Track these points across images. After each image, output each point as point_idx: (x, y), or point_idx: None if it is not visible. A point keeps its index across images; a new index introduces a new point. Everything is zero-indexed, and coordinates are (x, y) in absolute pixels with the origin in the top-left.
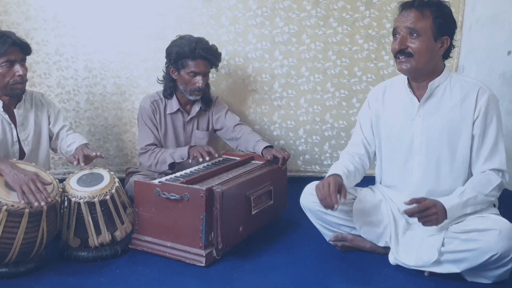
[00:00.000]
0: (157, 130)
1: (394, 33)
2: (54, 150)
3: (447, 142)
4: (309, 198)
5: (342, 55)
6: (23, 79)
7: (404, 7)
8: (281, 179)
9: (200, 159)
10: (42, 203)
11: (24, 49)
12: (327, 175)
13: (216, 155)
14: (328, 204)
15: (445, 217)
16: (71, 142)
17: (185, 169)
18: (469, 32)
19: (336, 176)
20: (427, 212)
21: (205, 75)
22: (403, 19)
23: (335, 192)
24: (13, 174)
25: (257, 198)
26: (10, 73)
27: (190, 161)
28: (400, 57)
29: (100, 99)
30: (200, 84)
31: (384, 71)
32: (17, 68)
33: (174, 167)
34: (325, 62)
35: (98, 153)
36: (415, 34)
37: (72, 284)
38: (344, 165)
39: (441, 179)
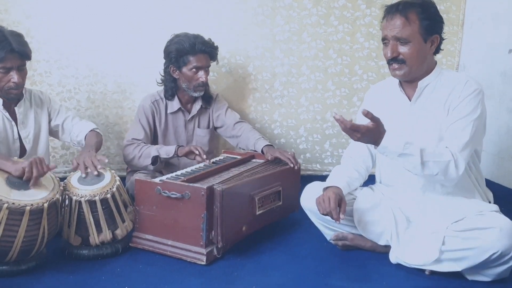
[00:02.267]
0: (150, 130)
1: (384, 40)
2: (66, 141)
3: (437, 139)
4: (309, 198)
5: (343, 54)
6: (17, 86)
7: (388, 11)
8: (293, 180)
9: (198, 157)
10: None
11: (23, 56)
12: (327, 180)
13: (204, 155)
14: (331, 218)
15: (375, 142)
16: (78, 132)
17: (180, 168)
18: (470, 30)
19: (336, 188)
20: (354, 132)
21: (207, 69)
22: (390, 27)
23: (336, 209)
24: (19, 165)
25: (263, 198)
26: (5, 79)
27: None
28: (393, 64)
29: (101, 98)
30: (204, 79)
31: (385, 70)
32: (13, 75)
33: (156, 162)
34: (326, 61)
35: (99, 166)
36: (404, 41)
37: (72, 282)
38: (346, 172)
39: None
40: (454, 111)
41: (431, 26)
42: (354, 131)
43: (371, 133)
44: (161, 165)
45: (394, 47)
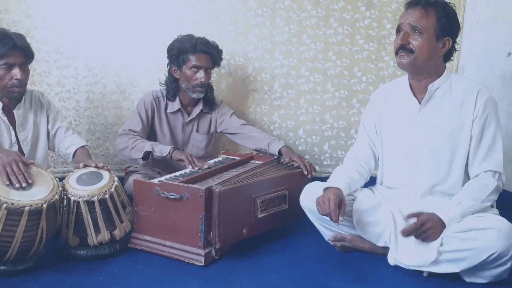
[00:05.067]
0: (148, 125)
1: (398, 29)
2: (52, 150)
3: (447, 144)
4: (309, 197)
5: (342, 56)
6: (21, 83)
7: (410, 4)
8: (302, 184)
9: (184, 164)
10: (24, 184)
11: (26, 53)
12: (328, 180)
13: (197, 168)
14: (330, 219)
15: (442, 229)
16: (69, 144)
17: (179, 168)
18: (469, 33)
19: (336, 189)
20: (423, 228)
21: (207, 70)
22: (408, 16)
23: (335, 211)
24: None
25: (267, 201)
26: (8, 76)
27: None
28: (400, 52)
29: (100, 98)
30: (203, 79)
31: (384, 72)
32: (16, 71)
33: (148, 157)
34: (325, 62)
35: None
36: (417, 32)
37: (70, 283)
38: (347, 173)
39: (441, 181)
40: (476, 126)
41: (447, 26)
42: (424, 224)
43: (432, 222)
44: (151, 162)
45: (406, 35)
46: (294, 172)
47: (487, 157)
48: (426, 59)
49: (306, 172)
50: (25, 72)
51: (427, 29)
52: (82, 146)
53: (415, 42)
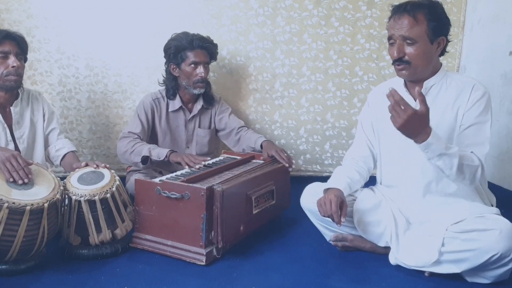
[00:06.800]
0: (148, 126)
1: (390, 39)
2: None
3: (445, 140)
4: (309, 198)
5: (344, 55)
6: (16, 72)
7: (396, 11)
8: (284, 178)
9: (185, 166)
10: (26, 180)
11: (20, 43)
12: (328, 181)
13: (197, 166)
14: (331, 220)
15: (416, 133)
16: (60, 147)
17: (180, 168)
18: (471, 32)
19: (337, 190)
20: (399, 112)
21: (206, 65)
22: (398, 27)
23: (337, 212)
24: None
25: (259, 197)
26: (4, 65)
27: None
28: (398, 64)
29: (101, 98)
30: (203, 75)
31: (385, 71)
32: (12, 60)
33: (146, 162)
34: (327, 62)
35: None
36: (410, 41)
37: (72, 282)
38: (348, 174)
39: (438, 177)
40: (467, 116)
41: (438, 27)
42: (402, 110)
43: (419, 120)
44: (151, 165)
45: (400, 48)
46: (278, 167)
47: (473, 145)
48: (425, 65)
49: (287, 165)
50: (21, 62)
51: (420, 37)
52: (72, 151)
53: (410, 52)
